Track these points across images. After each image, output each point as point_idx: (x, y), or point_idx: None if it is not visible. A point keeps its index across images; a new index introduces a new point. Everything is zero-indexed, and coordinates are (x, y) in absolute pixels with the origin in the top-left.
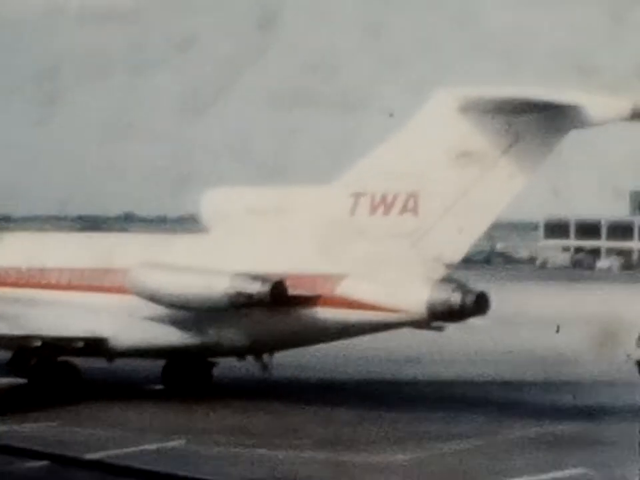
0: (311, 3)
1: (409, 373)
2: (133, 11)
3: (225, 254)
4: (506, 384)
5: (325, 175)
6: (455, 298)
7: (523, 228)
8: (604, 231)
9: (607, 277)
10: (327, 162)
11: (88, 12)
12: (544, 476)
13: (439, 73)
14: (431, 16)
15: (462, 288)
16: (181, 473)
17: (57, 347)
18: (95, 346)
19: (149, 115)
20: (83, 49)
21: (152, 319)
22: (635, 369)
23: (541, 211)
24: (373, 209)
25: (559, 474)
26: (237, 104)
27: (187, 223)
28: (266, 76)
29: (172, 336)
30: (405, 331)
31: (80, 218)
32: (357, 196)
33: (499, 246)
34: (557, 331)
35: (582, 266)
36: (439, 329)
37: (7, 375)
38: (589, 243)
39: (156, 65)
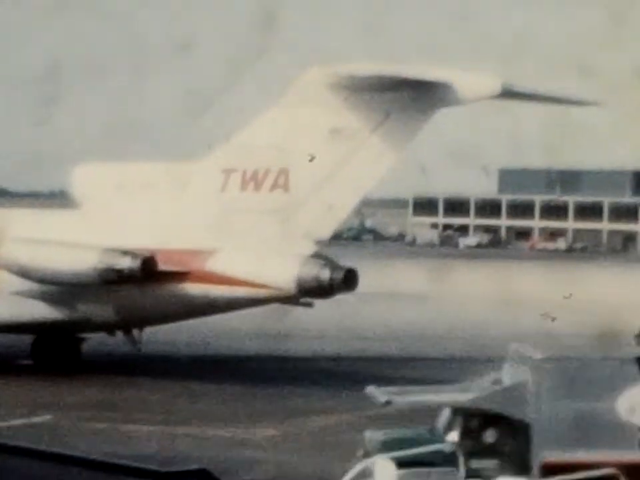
0: (311, 2)
1: (279, 348)
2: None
3: (95, 229)
4: (374, 359)
5: None
6: (324, 274)
7: (393, 205)
8: (472, 209)
9: (473, 253)
10: None
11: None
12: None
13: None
14: (430, 16)
15: (331, 264)
16: (47, 448)
17: None
18: None
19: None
20: None
21: (21, 293)
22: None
23: (410, 188)
24: (244, 185)
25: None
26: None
27: (59, 199)
28: (266, 75)
29: (41, 311)
30: (276, 307)
31: None
32: (228, 172)
33: (369, 223)
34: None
35: (450, 243)
36: (308, 304)
37: None
38: (457, 220)
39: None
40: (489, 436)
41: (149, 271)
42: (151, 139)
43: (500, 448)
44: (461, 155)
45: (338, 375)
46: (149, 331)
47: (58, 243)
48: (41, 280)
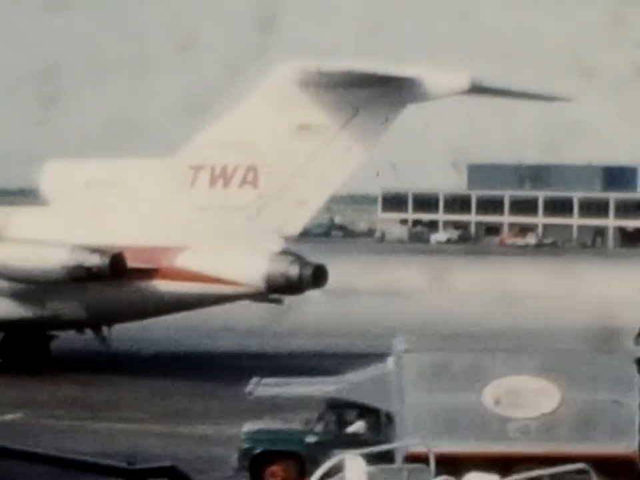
0: (311, 2)
1: (249, 345)
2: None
3: (64, 227)
4: (341, 356)
5: None
6: (293, 271)
7: (362, 201)
8: (441, 204)
9: (444, 249)
10: None
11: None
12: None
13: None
14: (430, 16)
15: (300, 261)
16: (19, 446)
17: None
18: None
19: None
20: None
21: None
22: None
23: (379, 184)
24: (213, 182)
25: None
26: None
27: (28, 196)
28: (266, 75)
29: (9, 309)
30: (246, 303)
31: None
32: (197, 169)
33: (338, 219)
34: None
35: (420, 239)
36: (277, 301)
37: None
38: (426, 216)
39: None
40: (355, 427)
41: (118, 269)
42: (151, 139)
43: (365, 438)
44: (430, 150)
45: (311, 371)
46: (118, 328)
47: (27, 240)
48: (10, 278)
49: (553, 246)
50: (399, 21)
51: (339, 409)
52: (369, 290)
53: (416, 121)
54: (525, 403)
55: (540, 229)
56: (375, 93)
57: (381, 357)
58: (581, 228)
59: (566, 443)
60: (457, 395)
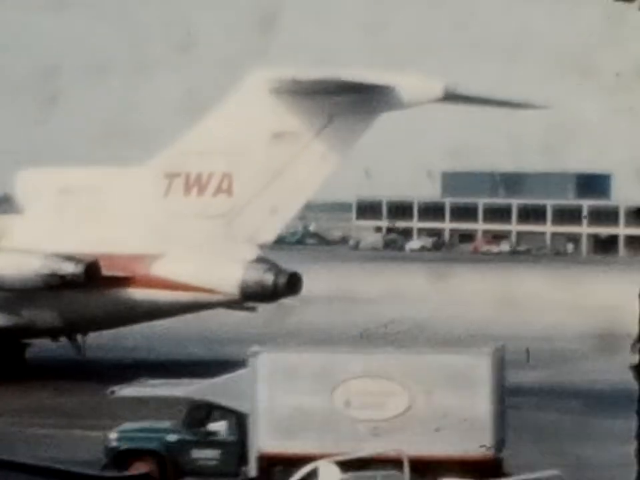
0: (311, 2)
1: (226, 352)
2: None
3: (38, 234)
4: None
5: None
6: (268, 278)
7: (336, 209)
8: (415, 212)
9: (418, 257)
10: None
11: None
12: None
13: (439, 73)
14: (430, 16)
15: (274, 268)
16: None
17: None
18: None
19: None
20: None
21: None
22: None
23: (354, 191)
24: (187, 190)
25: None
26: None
27: (3, 204)
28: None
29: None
30: (224, 311)
31: None
32: (172, 176)
33: (312, 226)
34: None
35: (394, 246)
36: (252, 309)
37: None
38: (400, 224)
39: None
40: (216, 426)
41: (92, 276)
42: (151, 139)
43: (224, 438)
44: (405, 158)
45: None
46: (93, 336)
47: (1, 248)
48: None
49: (527, 253)
50: (399, 20)
51: (202, 409)
52: (342, 298)
53: (390, 128)
54: (375, 404)
55: (514, 237)
56: (349, 101)
57: None
58: (555, 235)
59: (417, 445)
60: (308, 396)
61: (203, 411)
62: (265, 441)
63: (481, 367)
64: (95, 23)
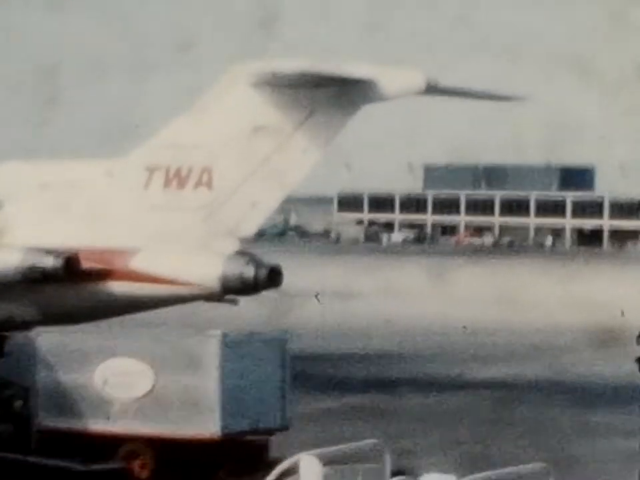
0: (311, 2)
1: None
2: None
3: (18, 228)
4: (296, 358)
5: None
6: (248, 271)
7: (317, 202)
8: (397, 205)
9: (399, 250)
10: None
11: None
12: (338, 448)
13: (439, 72)
14: (431, 16)
15: (255, 261)
16: None
17: None
18: None
19: None
20: None
21: None
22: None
23: (335, 184)
24: (167, 183)
25: (352, 446)
26: None
27: None
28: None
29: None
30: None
31: None
32: (151, 170)
33: (293, 220)
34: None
35: (375, 239)
36: (233, 302)
37: None
38: (382, 216)
39: None
40: (17, 402)
41: (72, 270)
42: (149, 139)
43: (19, 413)
44: (386, 151)
45: None
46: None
47: None
48: None
49: (510, 246)
50: (399, 20)
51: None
52: (323, 291)
53: (371, 120)
54: (127, 384)
55: (496, 229)
56: (330, 94)
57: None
58: (538, 228)
59: (157, 424)
60: (74, 375)
61: (6, 388)
62: (42, 416)
63: (210, 350)
64: (95, 22)
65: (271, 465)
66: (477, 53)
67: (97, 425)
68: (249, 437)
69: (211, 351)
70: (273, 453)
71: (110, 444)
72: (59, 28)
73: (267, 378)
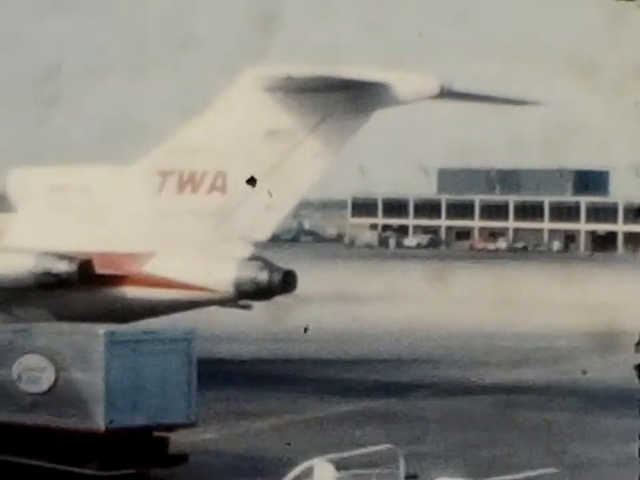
0: (311, 2)
1: (220, 350)
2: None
3: (31, 233)
4: (314, 362)
5: None
6: (262, 276)
7: (331, 206)
8: (411, 209)
9: (415, 254)
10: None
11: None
12: (352, 453)
13: (439, 72)
14: (430, 16)
15: (269, 266)
16: None
17: None
18: None
19: None
20: None
21: None
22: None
23: (349, 189)
24: (181, 188)
25: (366, 451)
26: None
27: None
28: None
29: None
30: (215, 309)
31: None
32: (165, 174)
33: (307, 224)
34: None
35: (389, 244)
36: (247, 307)
37: None
38: (396, 221)
39: None
40: None
41: (85, 275)
42: (150, 139)
43: None
44: (400, 155)
45: (275, 377)
46: None
47: None
48: None
49: (524, 250)
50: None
51: None
52: (337, 296)
53: (386, 125)
54: (34, 379)
55: (511, 234)
56: (344, 98)
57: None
58: (552, 232)
59: (56, 418)
60: None
61: None
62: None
63: (96, 347)
64: (95, 22)
65: (171, 460)
66: (476, 52)
67: (16, 418)
68: (151, 432)
69: (97, 348)
70: (185, 448)
71: (24, 437)
72: (59, 28)
73: (168, 375)
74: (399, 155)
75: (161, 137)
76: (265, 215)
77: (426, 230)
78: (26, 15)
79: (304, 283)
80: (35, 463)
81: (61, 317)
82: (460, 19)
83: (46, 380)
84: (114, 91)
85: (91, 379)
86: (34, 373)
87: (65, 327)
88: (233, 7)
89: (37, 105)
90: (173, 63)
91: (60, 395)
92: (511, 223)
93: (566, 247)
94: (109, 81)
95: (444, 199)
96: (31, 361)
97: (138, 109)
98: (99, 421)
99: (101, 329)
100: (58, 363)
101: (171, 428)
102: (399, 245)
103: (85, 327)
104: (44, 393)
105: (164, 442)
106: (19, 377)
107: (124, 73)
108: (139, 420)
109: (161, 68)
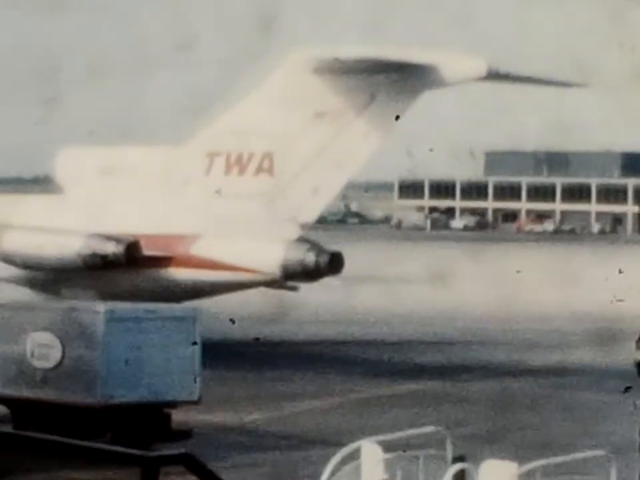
0: (311, 2)
1: (268, 332)
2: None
3: (79, 214)
4: (359, 344)
5: None
6: (309, 258)
7: (378, 188)
8: (458, 191)
9: (461, 236)
10: None
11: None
12: (399, 434)
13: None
14: (431, 16)
15: (316, 248)
16: (27, 432)
17: None
18: None
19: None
20: None
21: (5, 279)
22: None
23: (396, 171)
24: (228, 169)
25: (413, 432)
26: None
27: (43, 184)
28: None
29: (25, 297)
30: (261, 290)
31: None
32: (212, 156)
33: (354, 206)
34: None
35: (436, 226)
36: (294, 288)
37: None
38: (443, 203)
39: None
40: None
41: (133, 256)
42: (150, 140)
43: None
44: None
45: (324, 359)
46: None
47: (42, 228)
48: (25, 266)
49: (571, 233)
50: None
51: None
52: (384, 278)
53: (433, 106)
54: (44, 355)
55: (557, 216)
56: (391, 79)
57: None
58: (599, 214)
59: (62, 393)
60: (11, 346)
61: None
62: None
63: (96, 324)
64: (95, 22)
65: (173, 436)
66: (476, 52)
67: (28, 393)
68: (156, 409)
69: (98, 325)
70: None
71: (35, 409)
72: (59, 28)
73: (171, 353)
74: (447, 137)
75: (162, 135)
76: (312, 197)
77: (473, 212)
78: (26, 15)
79: (351, 264)
80: (45, 437)
81: (108, 297)
82: (460, 19)
83: (54, 356)
84: (114, 90)
85: (93, 356)
86: (44, 349)
87: (70, 304)
88: (233, 7)
89: (37, 105)
90: (173, 63)
91: (66, 370)
92: (558, 205)
93: (613, 229)
94: (109, 81)
95: (491, 181)
96: (41, 337)
97: (138, 109)
98: (98, 396)
99: (103, 306)
100: (64, 340)
101: (174, 405)
102: (446, 226)
103: (88, 304)
104: (52, 369)
105: (166, 418)
106: (32, 352)
107: (124, 73)
108: (140, 396)
109: (161, 68)
